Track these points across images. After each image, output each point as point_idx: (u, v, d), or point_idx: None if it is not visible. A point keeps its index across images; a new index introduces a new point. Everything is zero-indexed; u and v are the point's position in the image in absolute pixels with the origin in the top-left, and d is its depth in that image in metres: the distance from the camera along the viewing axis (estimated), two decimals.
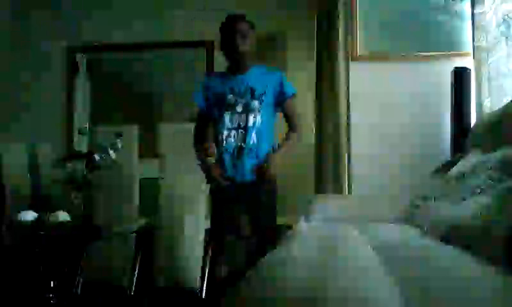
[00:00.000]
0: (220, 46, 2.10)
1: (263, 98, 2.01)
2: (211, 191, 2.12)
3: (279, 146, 2.06)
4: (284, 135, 2.12)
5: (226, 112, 2.02)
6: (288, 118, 2.10)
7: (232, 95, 2.02)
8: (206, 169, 2.08)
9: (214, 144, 2.07)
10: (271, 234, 2.00)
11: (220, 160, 2.04)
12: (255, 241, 2.03)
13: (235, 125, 2.00)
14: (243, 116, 2.00)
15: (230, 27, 2.04)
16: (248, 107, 2.00)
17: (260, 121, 2.00)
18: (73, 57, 4.01)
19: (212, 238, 2.20)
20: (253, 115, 1.99)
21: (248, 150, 1.98)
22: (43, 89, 4.03)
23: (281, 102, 2.07)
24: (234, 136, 2.00)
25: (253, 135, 1.99)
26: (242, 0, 3.83)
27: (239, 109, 2.01)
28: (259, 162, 1.99)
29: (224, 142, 2.01)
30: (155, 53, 3.98)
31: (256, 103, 2.00)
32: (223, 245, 2.08)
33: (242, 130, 1.99)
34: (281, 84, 2.06)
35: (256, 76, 2.05)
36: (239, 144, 1.99)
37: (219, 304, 0.78)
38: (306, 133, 3.46)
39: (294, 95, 2.09)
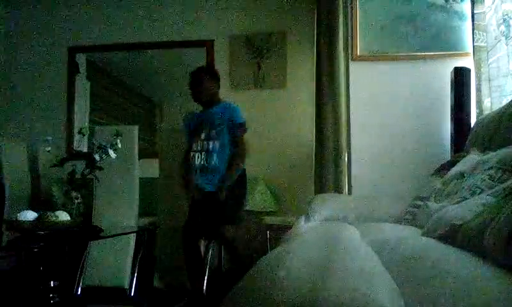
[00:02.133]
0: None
1: (219, 128, 2.60)
2: (191, 199, 2.69)
3: (227, 169, 2.63)
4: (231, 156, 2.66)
5: (194, 139, 2.66)
6: (234, 142, 2.64)
7: (200, 126, 2.66)
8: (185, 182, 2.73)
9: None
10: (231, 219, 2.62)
11: (191, 174, 2.67)
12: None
13: (199, 149, 2.63)
14: (205, 142, 2.62)
15: (190, 82, 2.71)
16: (208, 135, 2.62)
17: (218, 145, 2.60)
18: (73, 57, 4.02)
19: (184, 235, 2.67)
20: (212, 141, 2.61)
21: (211, 168, 2.60)
22: (43, 89, 4.04)
23: (230, 129, 2.63)
24: (198, 157, 2.63)
25: (214, 156, 2.60)
26: (242, 1, 3.84)
27: (203, 136, 2.63)
28: (219, 178, 2.60)
29: (192, 161, 2.65)
30: (155, 53, 3.98)
31: (214, 132, 2.61)
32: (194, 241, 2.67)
33: (204, 153, 2.61)
34: (232, 116, 2.62)
35: (217, 111, 2.65)
36: (202, 163, 2.61)
37: (219, 304, 0.78)
38: (305, 133, 3.48)
39: (240, 124, 2.63)
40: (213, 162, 2.60)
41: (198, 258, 2.70)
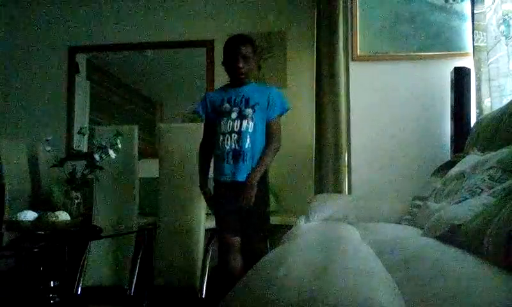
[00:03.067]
0: (222, 63, 2.25)
1: (256, 107, 2.17)
2: (214, 191, 2.29)
3: (262, 154, 2.21)
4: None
5: (222, 118, 2.19)
6: (268, 135, 2.23)
7: (228, 104, 2.20)
8: (203, 190, 2.37)
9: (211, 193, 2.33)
10: (261, 229, 2.26)
11: (217, 161, 2.22)
12: (248, 238, 2.22)
13: (229, 130, 2.17)
14: (237, 121, 2.17)
15: (234, 49, 2.18)
16: (241, 113, 2.17)
17: (252, 126, 2.16)
18: (73, 57, 4.02)
19: (218, 236, 2.34)
20: (246, 121, 2.16)
21: (243, 153, 2.15)
22: (43, 89, 4.04)
23: (268, 118, 2.22)
24: (228, 140, 2.17)
25: (247, 139, 2.15)
26: (242, 1, 3.85)
27: (234, 115, 2.17)
28: (253, 165, 2.17)
29: (221, 145, 2.18)
30: (155, 53, 3.98)
31: (249, 110, 2.17)
32: (227, 242, 2.22)
33: (235, 134, 2.16)
34: (274, 101, 2.21)
35: (252, 89, 2.23)
36: (234, 147, 2.16)
37: (219, 304, 0.78)
38: (305, 133, 3.48)
39: (280, 115, 2.24)
40: (246, 146, 2.14)
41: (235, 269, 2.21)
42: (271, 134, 2.22)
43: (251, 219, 2.18)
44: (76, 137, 3.88)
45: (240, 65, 2.16)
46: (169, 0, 3.94)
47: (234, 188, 2.16)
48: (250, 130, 2.15)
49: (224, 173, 2.18)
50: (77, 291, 2.91)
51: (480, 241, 0.92)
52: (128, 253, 2.99)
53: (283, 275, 0.78)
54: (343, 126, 3.00)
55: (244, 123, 2.15)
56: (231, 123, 2.17)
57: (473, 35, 2.74)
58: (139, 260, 2.98)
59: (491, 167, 1.44)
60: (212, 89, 3.70)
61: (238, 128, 2.15)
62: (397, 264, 0.93)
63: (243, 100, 2.18)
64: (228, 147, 2.16)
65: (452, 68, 2.73)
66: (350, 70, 3.07)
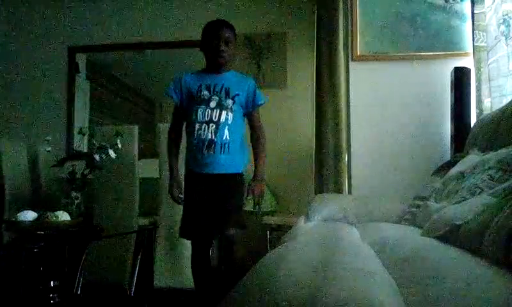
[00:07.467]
0: (201, 47, 2.19)
1: (236, 98, 2.12)
2: (186, 183, 2.22)
3: (256, 161, 2.21)
4: (252, 143, 2.24)
5: (200, 107, 2.11)
6: (254, 127, 2.23)
7: (206, 91, 2.12)
8: (170, 182, 2.30)
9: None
10: (238, 221, 2.12)
11: (191, 152, 2.14)
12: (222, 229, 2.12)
13: (207, 119, 2.09)
14: (216, 111, 2.09)
15: (216, 31, 2.13)
16: (221, 103, 2.10)
17: (232, 117, 2.10)
18: (73, 57, 4.02)
19: (184, 231, 2.20)
20: (225, 112, 2.09)
21: (220, 145, 2.08)
22: (43, 89, 4.04)
23: (249, 109, 2.18)
24: (205, 130, 2.09)
25: (226, 130, 2.09)
26: (242, 1, 3.85)
27: (213, 104, 2.10)
28: (230, 157, 2.10)
29: (196, 134, 2.10)
30: (155, 53, 3.98)
31: (229, 101, 2.11)
32: (199, 239, 2.17)
33: (213, 125, 2.08)
34: (254, 92, 2.17)
35: (232, 78, 2.17)
36: (211, 137, 2.08)
37: (219, 304, 0.78)
38: (305, 133, 3.48)
39: (260, 105, 2.22)
40: (224, 137, 2.07)
41: (208, 266, 2.24)
42: (257, 127, 2.22)
43: (229, 212, 2.11)
44: (76, 137, 3.89)
45: (223, 48, 2.09)
46: (169, 0, 3.94)
47: (208, 181, 2.10)
48: (229, 121, 2.09)
49: (199, 164, 2.10)
50: (77, 291, 2.91)
51: (480, 241, 0.92)
52: (128, 253, 2.99)
53: (283, 275, 0.78)
54: (343, 126, 3.00)
55: (224, 113, 2.09)
56: (209, 111, 2.09)
57: (473, 35, 2.74)
58: (139, 260, 2.99)
59: (491, 167, 1.44)
60: None
61: (216, 119, 2.08)
62: (397, 264, 0.93)
63: (223, 89, 2.11)
64: (203, 137, 2.08)
65: (452, 68, 2.73)
66: (350, 70, 3.06)
